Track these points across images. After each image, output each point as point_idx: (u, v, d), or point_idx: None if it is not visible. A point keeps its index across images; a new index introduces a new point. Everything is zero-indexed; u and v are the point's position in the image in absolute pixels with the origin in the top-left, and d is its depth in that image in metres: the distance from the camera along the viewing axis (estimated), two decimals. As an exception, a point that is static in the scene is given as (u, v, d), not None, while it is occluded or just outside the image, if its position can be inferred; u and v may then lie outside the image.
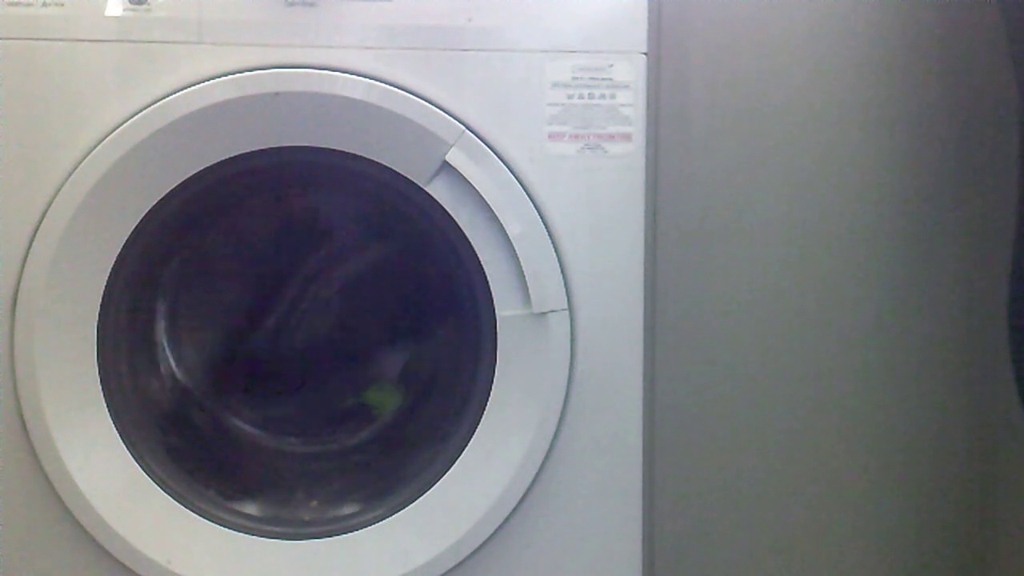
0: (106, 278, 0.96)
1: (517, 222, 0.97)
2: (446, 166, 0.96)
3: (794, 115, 1.25)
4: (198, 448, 1.13)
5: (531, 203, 0.98)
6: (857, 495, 1.30)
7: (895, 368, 1.29)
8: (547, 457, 1.00)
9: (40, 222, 0.94)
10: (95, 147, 0.93)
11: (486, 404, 1.00)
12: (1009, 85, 1.16)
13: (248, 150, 0.96)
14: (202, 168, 0.96)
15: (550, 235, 0.99)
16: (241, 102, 0.94)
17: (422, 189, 0.97)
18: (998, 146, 1.25)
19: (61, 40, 0.94)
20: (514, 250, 0.97)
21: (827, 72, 1.25)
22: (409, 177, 0.97)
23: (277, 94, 0.95)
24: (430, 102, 0.97)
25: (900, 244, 1.27)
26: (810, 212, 1.26)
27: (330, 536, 1.01)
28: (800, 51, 1.25)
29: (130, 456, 0.98)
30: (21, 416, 0.95)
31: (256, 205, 1.21)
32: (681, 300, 1.26)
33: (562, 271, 0.99)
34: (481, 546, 1.00)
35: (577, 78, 0.99)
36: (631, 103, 1.00)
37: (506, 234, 0.97)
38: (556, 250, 0.99)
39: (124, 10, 0.95)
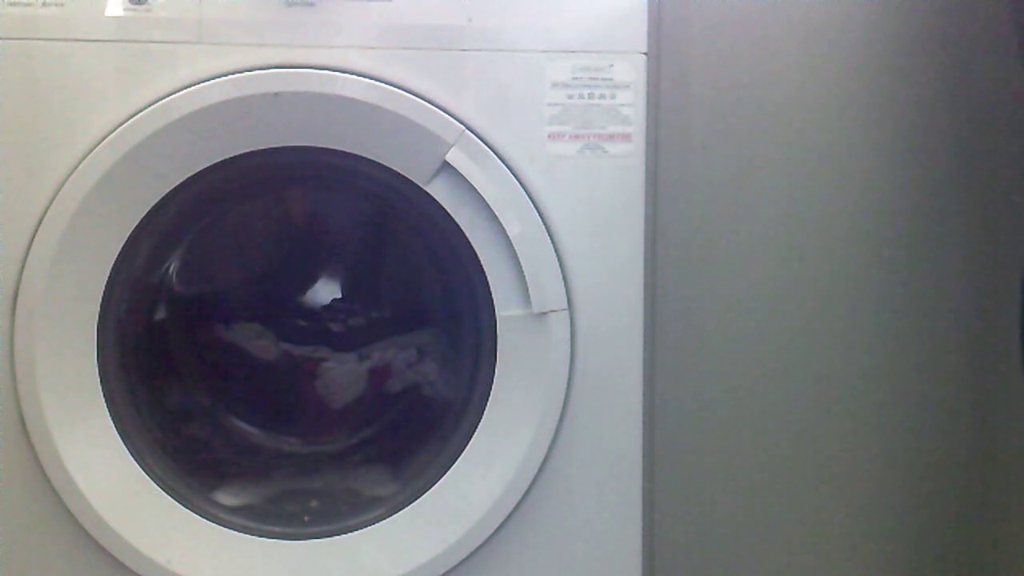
0: (106, 278, 0.96)
1: (517, 222, 0.97)
2: (446, 166, 0.96)
3: (794, 115, 1.25)
4: (198, 448, 1.13)
5: (531, 203, 0.98)
6: (858, 493, 1.30)
7: (896, 369, 1.29)
8: (547, 457, 1.00)
9: (40, 222, 0.94)
10: (95, 147, 0.93)
11: (486, 404, 1.00)
12: (1012, 84, 1.16)
13: (248, 150, 0.96)
14: (202, 168, 0.96)
15: (550, 235, 0.99)
16: (241, 102, 0.94)
17: (422, 189, 0.97)
18: (999, 147, 1.25)
19: (61, 40, 0.94)
20: (514, 250, 0.97)
21: (827, 72, 1.25)
22: (409, 177, 0.97)
23: (277, 94, 0.95)
24: (430, 102, 0.96)
25: (900, 244, 1.27)
26: (810, 212, 1.26)
27: (330, 536, 1.01)
28: (800, 51, 1.25)
29: (130, 456, 0.98)
30: (21, 416, 0.95)
31: (256, 205, 1.21)
32: (681, 300, 1.26)
33: (562, 271, 0.99)
34: (481, 546, 1.00)
35: (577, 78, 0.99)
36: (631, 103, 1.00)
37: (506, 234, 0.97)
38: (556, 250, 0.99)
39: (124, 10, 0.95)
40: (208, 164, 0.96)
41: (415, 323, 1.25)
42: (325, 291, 1.28)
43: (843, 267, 1.27)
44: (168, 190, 0.96)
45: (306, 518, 1.04)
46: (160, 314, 1.16)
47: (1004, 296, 1.14)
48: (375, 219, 1.26)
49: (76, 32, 0.95)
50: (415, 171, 0.97)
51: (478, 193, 0.96)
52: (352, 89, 0.96)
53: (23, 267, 0.94)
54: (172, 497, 0.99)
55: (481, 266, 0.98)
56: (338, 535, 1.00)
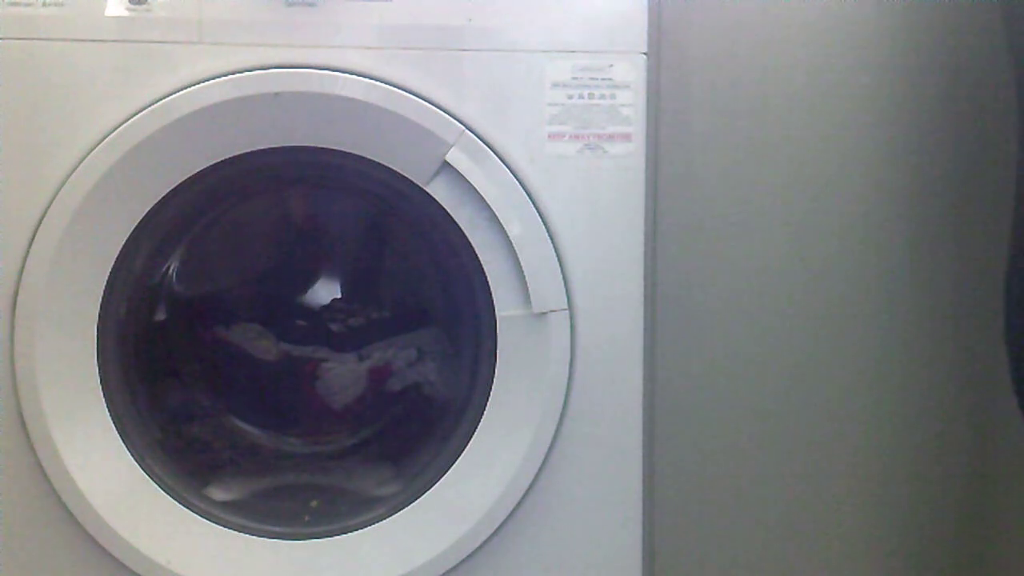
0: (106, 278, 0.96)
1: (517, 222, 0.97)
2: (446, 166, 0.96)
3: (794, 115, 1.25)
4: (198, 448, 1.13)
5: (531, 203, 0.98)
6: (858, 492, 1.30)
7: (895, 367, 1.29)
8: (547, 457, 1.00)
9: (40, 222, 0.94)
10: (95, 147, 0.93)
11: (486, 404, 1.00)
12: (1009, 84, 1.16)
13: (248, 150, 0.96)
14: (202, 168, 0.96)
15: (550, 235, 0.99)
16: (241, 102, 0.94)
17: (422, 189, 0.97)
18: (998, 145, 1.25)
19: (61, 40, 0.94)
20: (514, 250, 0.97)
21: (827, 72, 1.25)
22: (409, 177, 0.97)
23: (277, 94, 0.95)
24: (430, 102, 0.96)
25: (900, 243, 1.27)
26: (810, 211, 1.26)
27: (330, 536, 1.01)
28: (800, 51, 1.25)
29: (130, 456, 0.98)
30: (21, 416, 0.95)
31: (256, 205, 1.21)
32: (681, 300, 1.26)
33: (562, 271, 0.99)
34: (481, 546, 1.00)
35: (577, 78, 0.99)
36: (631, 103, 1.00)
37: (506, 234, 0.97)
38: (556, 250, 0.99)
39: (124, 10, 0.95)
40: (208, 164, 0.96)
41: (415, 323, 1.25)
42: (325, 291, 1.28)
43: (843, 266, 1.27)
44: (168, 190, 0.96)
45: (306, 518, 1.04)
46: (160, 314, 1.16)
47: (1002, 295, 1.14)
48: (375, 219, 1.26)
49: (76, 32, 0.95)
50: (415, 171, 0.97)
51: (478, 193, 0.96)
52: (352, 89, 0.96)
53: (23, 267, 0.94)
54: (172, 497, 0.99)
55: (481, 266, 0.98)
56: (338, 535, 1.00)
